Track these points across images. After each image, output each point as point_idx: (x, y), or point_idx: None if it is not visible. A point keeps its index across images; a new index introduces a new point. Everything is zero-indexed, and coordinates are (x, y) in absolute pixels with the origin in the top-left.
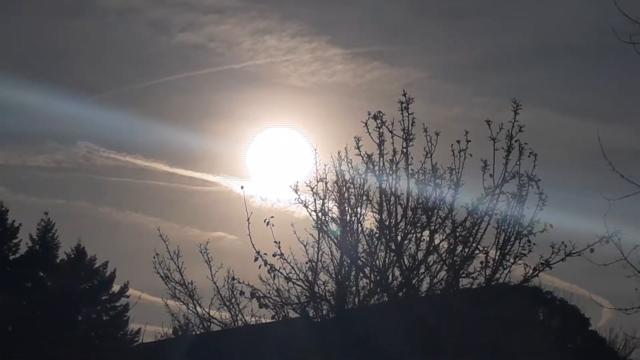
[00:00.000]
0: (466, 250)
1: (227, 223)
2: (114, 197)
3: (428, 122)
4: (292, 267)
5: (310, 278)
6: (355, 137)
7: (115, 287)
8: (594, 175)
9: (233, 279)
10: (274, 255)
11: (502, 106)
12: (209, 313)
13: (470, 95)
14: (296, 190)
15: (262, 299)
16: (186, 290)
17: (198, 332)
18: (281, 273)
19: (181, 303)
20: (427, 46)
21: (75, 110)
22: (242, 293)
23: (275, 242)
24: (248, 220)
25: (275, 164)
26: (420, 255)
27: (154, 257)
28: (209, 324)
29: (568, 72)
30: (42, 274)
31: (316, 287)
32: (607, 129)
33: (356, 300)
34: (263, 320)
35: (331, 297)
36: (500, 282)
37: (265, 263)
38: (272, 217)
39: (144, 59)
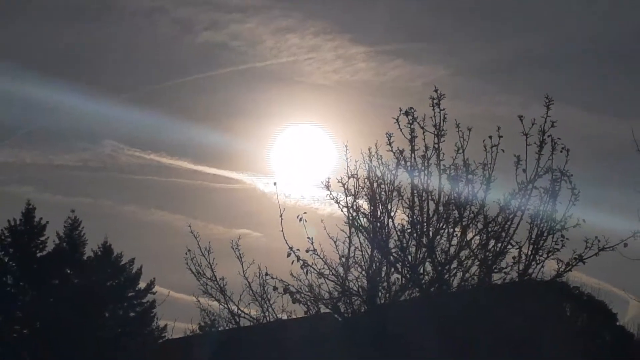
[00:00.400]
0: (498, 245)
1: (252, 220)
2: (139, 195)
3: (452, 120)
4: (325, 263)
5: (341, 274)
6: (386, 134)
7: (142, 284)
8: (626, 171)
9: (266, 274)
10: (306, 251)
11: (526, 104)
12: (238, 307)
13: (494, 93)
14: (328, 187)
15: (295, 295)
16: (217, 286)
17: (227, 328)
18: (314, 269)
19: (212, 299)
20: (449, 45)
21: (101, 109)
22: (275, 289)
23: (308, 238)
24: (281, 216)
25: (299, 162)
26: (452, 250)
27: (186, 254)
28: (238, 319)
29: (594, 71)
30: (69, 271)
31: (347, 283)
32: (637, 125)
33: (387, 295)
34: (294, 316)
35: (362, 293)
36: (530, 278)
37: (298, 259)
38: (305, 212)
39: (168, 58)
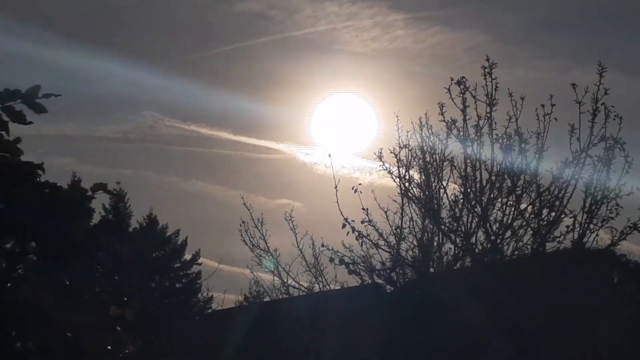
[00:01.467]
0: (552, 214)
1: (292, 190)
2: (180, 166)
3: (503, 88)
4: (379, 234)
5: (394, 244)
6: (439, 103)
7: (187, 256)
8: None
9: (322, 245)
10: (362, 222)
11: (565, 68)
12: (292, 278)
13: (532, 58)
14: (380, 157)
15: (350, 265)
16: (272, 257)
17: (275, 298)
18: (369, 240)
19: (267, 271)
20: (487, 9)
21: (140, 80)
22: (331, 260)
23: (363, 209)
24: (336, 187)
25: (340, 131)
26: (505, 220)
27: (240, 226)
28: (288, 289)
29: (635, 35)
30: (115, 243)
31: (401, 253)
32: None
33: (440, 265)
34: (345, 286)
35: (416, 263)
36: (583, 247)
37: (353, 230)
38: (360, 184)
39: (205, 27)
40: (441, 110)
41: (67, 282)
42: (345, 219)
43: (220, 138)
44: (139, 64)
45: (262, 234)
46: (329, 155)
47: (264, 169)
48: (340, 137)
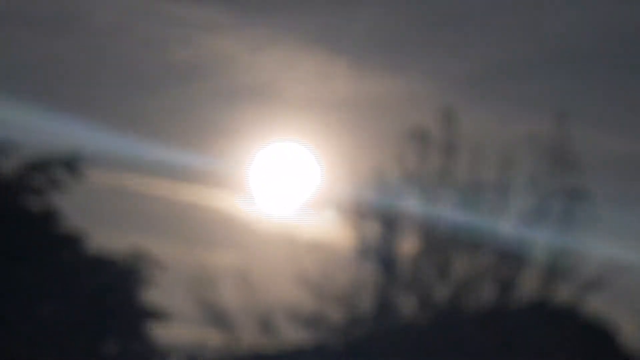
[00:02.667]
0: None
1: (229, 242)
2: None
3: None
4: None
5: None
6: (395, 156)
7: None
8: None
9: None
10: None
11: (519, 117)
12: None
13: (484, 106)
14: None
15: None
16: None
17: None
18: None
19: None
20: (436, 55)
21: (68, 129)
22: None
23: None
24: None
25: (280, 181)
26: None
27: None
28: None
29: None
30: None
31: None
32: None
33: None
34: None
35: (370, 318)
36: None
37: None
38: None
39: (138, 75)
40: (395, 164)
41: None
42: None
43: (156, 187)
44: (62, 114)
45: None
46: (260, 204)
47: (200, 220)
48: (281, 187)
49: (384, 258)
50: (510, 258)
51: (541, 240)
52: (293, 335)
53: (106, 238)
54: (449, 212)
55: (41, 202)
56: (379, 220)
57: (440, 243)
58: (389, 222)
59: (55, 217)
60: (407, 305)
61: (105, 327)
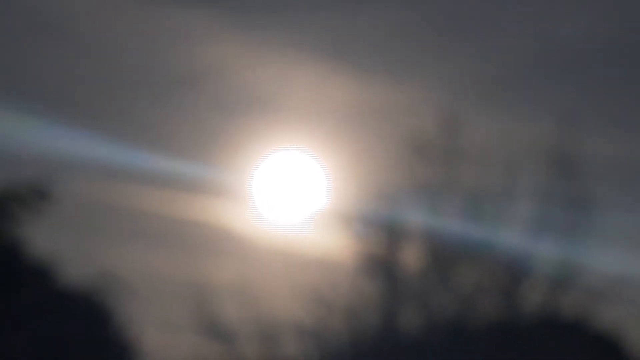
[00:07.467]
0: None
1: (233, 257)
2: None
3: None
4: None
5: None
6: (395, 169)
7: None
8: None
9: None
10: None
11: (527, 124)
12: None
13: (489, 114)
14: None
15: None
16: None
17: None
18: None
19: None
20: (439, 63)
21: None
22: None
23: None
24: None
25: (284, 192)
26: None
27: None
28: None
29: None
30: None
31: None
32: None
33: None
34: None
35: (374, 336)
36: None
37: None
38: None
39: (136, 85)
40: (394, 176)
41: None
42: None
43: (155, 198)
44: (59, 122)
45: None
46: (263, 216)
47: (201, 232)
48: (283, 198)
49: (388, 270)
50: (517, 269)
51: (548, 250)
52: (296, 350)
53: (101, 255)
54: (454, 223)
55: (5, 233)
56: (383, 231)
57: (445, 255)
58: (393, 233)
59: (19, 249)
60: (412, 318)
61: None
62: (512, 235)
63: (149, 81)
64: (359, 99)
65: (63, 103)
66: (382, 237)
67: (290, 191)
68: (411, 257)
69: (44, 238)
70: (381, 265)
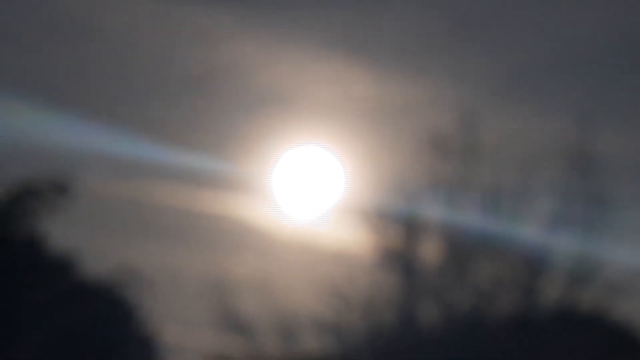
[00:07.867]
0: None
1: (252, 253)
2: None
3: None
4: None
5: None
6: (413, 166)
7: None
8: None
9: None
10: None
11: (547, 121)
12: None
13: (509, 110)
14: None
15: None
16: None
17: None
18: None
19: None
20: (459, 59)
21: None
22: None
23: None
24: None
25: (303, 187)
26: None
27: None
28: None
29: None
30: None
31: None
32: None
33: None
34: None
35: (391, 329)
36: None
37: None
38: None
39: (154, 82)
40: (413, 172)
41: None
42: None
43: (173, 193)
44: (80, 120)
45: None
46: (282, 210)
47: (220, 226)
48: (301, 193)
49: (406, 265)
50: (535, 264)
51: (566, 245)
52: (315, 344)
53: (121, 250)
54: (472, 218)
55: (26, 228)
56: (401, 226)
57: (463, 250)
58: (412, 228)
59: (40, 244)
60: (430, 313)
61: None
62: (530, 230)
63: (169, 78)
64: (377, 95)
65: (84, 100)
66: (400, 232)
67: (309, 186)
68: (429, 252)
69: (64, 233)
70: (399, 259)
